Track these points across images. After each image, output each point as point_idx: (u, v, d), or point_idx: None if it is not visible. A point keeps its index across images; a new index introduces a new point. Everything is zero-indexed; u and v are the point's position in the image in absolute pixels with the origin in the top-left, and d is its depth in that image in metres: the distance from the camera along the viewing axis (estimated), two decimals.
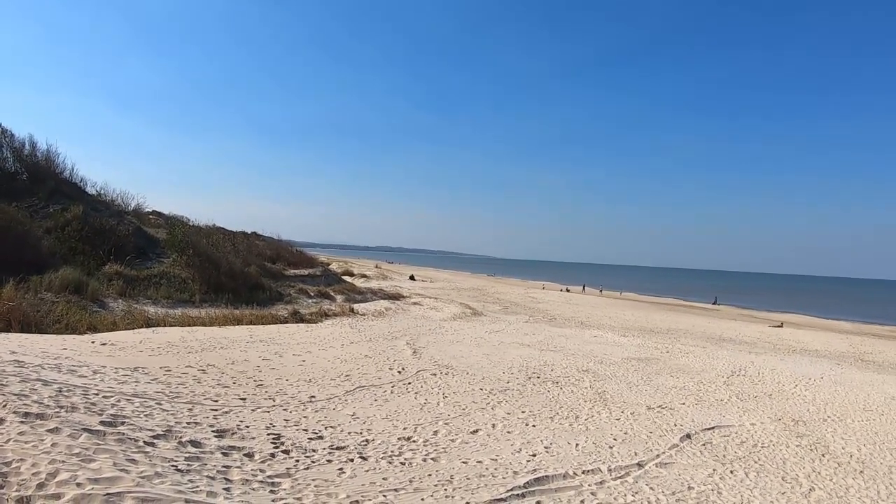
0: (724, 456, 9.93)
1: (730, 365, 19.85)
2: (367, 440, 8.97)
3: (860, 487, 9.05)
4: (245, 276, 26.41)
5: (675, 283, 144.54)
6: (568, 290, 72.53)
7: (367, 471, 7.64)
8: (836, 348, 29.10)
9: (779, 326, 40.95)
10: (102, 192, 30.25)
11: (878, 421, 13.52)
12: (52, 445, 6.26)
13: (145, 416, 8.36)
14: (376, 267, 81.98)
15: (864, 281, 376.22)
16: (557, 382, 14.75)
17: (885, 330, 49.20)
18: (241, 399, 10.45)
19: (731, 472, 9.15)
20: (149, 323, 17.81)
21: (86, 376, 10.05)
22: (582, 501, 7.38)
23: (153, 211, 35.49)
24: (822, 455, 10.54)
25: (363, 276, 55.53)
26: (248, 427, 8.80)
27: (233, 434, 8.37)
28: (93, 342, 13.82)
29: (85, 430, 7.01)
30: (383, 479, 7.41)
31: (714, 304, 72.99)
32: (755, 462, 9.76)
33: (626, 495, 7.73)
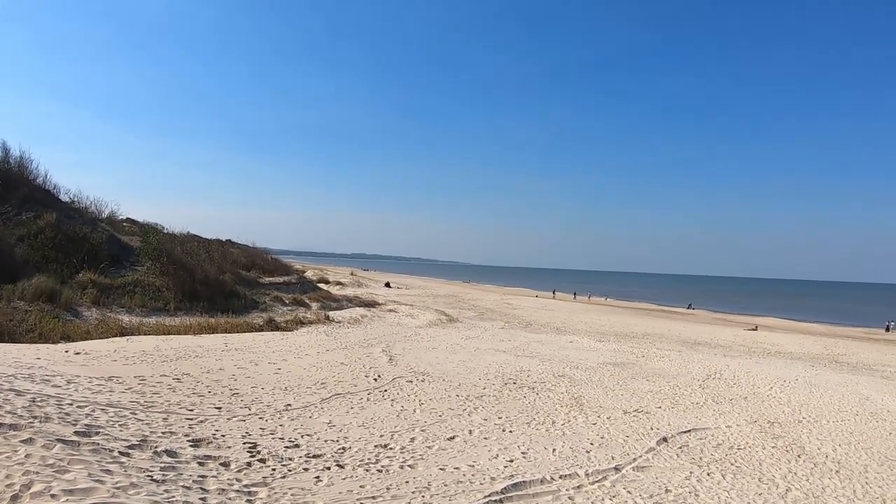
0: (700, 458, 10.03)
1: (705, 368, 20.08)
2: (343, 448, 8.95)
3: (836, 487, 9.20)
4: (220, 284, 26.28)
5: (651, 288, 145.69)
6: (537, 297, 72.90)
7: (344, 479, 7.63)
8: (810, 350, 29.56)
9: (753, 330, 41.48)
10: (76, 199, 30.01)
11: (852, 421, 13.76)
12: (25, 456, 6.20)
13: (120, 425, 8.30)
14: (352, 274, 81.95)
15: (836, 284, 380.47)
16: (534, 388, 14.81)
17: (859, 332, 49.99)
18: (217, 408, 10.39)
19: (708, 474, 9.24)
20: (123, 332, 17.68)
21: (60, 386, 9.95)
22: None
23: (127, 218, 35.21)
24: (798, 456, 10.69)
25: (339, 283, 55.54)
26: (223, 436, 8.76)
27: (208, 443, 8.32)
28: (66, 351, 13.69)
29: (59, 440, 6.95)
30: (360, 486, 7.39)
31: (689, 308, 73.75)
32: (732, 464, 9.86)
33: (603, 499, 7.78)
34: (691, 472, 9.24)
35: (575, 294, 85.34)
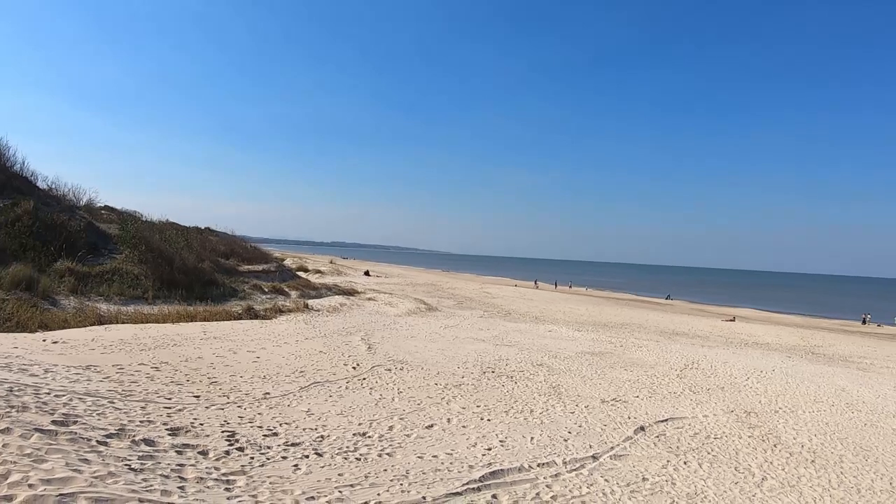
0: (677, 447, 10.16)
1: (683, 358, 20.28)
2: (322, 436, 9.01)
3: (812, 476, 9.35)
4: (198, 272, 26.15)
5: (631, 278, 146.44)
6: (516, 286, 73.12)
7: (323, 467, 7.68)
8: (787, 341, 29.91)
9: (731, 320, 41.83)
10: (54, 186, 29.65)
11: (828, 412, 13.96)
12: (2, 446, 6.20)
13: (98, 414, 8.30)
14: (331, 263, 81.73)
15: (814, 276, 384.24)
16: (512, 377, 14.92)
17: (835, 324, 50.64)
18: (195, 396, 10.40)
19: (685, 463, 9.37)
20: (101, 320, 17.58)
21: (37, 375, 9.93)
22: (537, 494, 7.50)
23: (105, 206, 34.81)
24: (774, 445, 10.85)
25: (318, 271, 55.40)
26: (202, 425, 8.78)
27: (187, 432, 8.34)
28: (44, 340, 13.62)
29: (37, 430, 6.95)
30: (339, 474, 7.45)
31: (667, 298, 74.28)
32: (708, 453, 10.00)
33: (581, 487, 7.87)
34: (668, 461, 9.37)
35: (556, 283, 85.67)
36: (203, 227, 42.86)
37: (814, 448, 10.91)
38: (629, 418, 11.83)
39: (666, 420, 11.90)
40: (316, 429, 9.37)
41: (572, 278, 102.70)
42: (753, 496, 8.26)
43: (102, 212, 33.08)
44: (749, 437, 11.27)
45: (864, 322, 53.91)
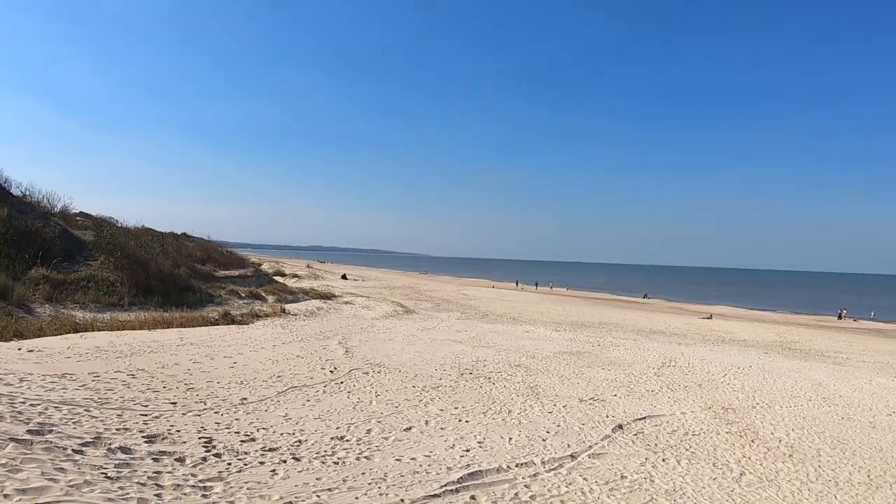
0: (655, 445, 10.22)
1: (660, 356, 20.47)
2: (299, 441, 9.01)
3: (790, 470, 9.43)
4: (175, 278, 26.05)
5: (610, 278, 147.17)
6: (494, 287, 73.45)
7: (301, 471, 7.69)
8: (763, 338, 30.24)
9: (708, 318, 42.27)
10: (28, 193, 29.38)
11: (805, 406, 14.13)
12: None
13: (74, 423, 8.28)
14: (308, 267, 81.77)
15: (791, 273, 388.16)
16: (490, 378, 14.98)
17: (811, 319, 51.32)
18: (172, 403, 10.37)
19: (663, 460, 9.43)
20: (77, 328, 17.44)
21: (12, 384, 9.87)
22: (516, 494, 7.53)
23: (80, 212, 34.58)
24: (752, 441, 10.93)
25: (295, 276, 55.36)
26: (178, 431, 8.77)
27: (163, 439, 8.33)
28: (19, 349, 13.50)
29: (11, 439, 6.93)
30: (317, 479, 7.46)
31: (645, 297, 74.82)
32: (686, 450, 10.07)
33: (559, 486, 7.90)
34: (646, 459, 9.41)
35: (537, 284, 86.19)
36: (179, 233, 42.72)
37: (791, 442, 11.02)
38: (607, 417, 11.89)
39: (644, 418, 11.98)
40: (293, 433, 9.36)
41: (553, 279, 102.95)
42: (732, 491, 8.31)
43: (77, 218, 32.86)
44: (727, 432, 11.36)
45: (840, 317, 54.71)
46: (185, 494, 6.45)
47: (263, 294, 30.26)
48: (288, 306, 27.70)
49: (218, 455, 7.95)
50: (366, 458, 8.50)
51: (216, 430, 9.13)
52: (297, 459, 8.17)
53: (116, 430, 8.37)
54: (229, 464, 7.69)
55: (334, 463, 8.16)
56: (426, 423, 10.64)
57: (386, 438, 9.54)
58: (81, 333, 16.80)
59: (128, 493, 6.08)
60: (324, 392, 12.36)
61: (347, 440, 9.27)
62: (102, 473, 6.55)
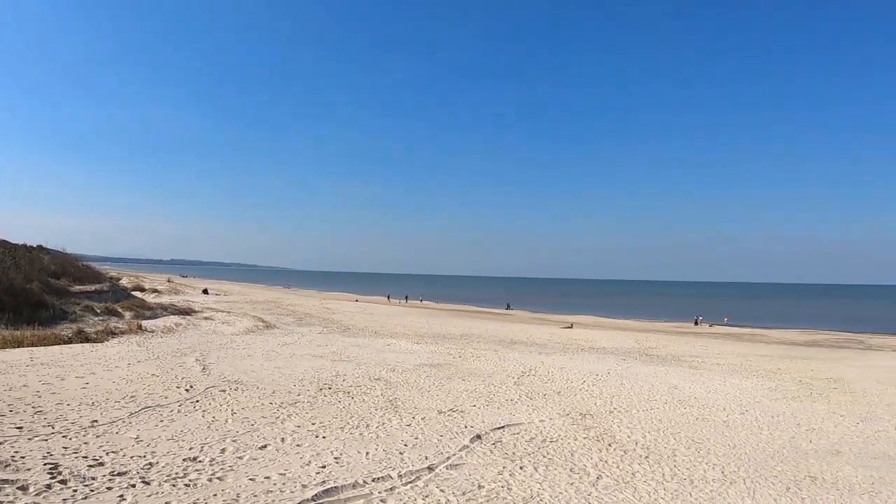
0: (513, 453, 10.48)
1: (520, 366, 21.06)
2: (150, 463, 8.89)
3: (646, 472, 9.86)
4: (27, 294, 24.93)
5: (475, 291, 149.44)
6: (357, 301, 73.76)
7: (150, 495, 7.59)
8: (622, 345, 31.57)
9: (569, 327, 43.65)
10: None
11: (661, 409, 14.89)
12: None
13: None
14: (168, 281, 79.30)
15: (651, 283, 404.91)
16: (349, 392, 15.10)
17: (669, 326, 54.16)
18: (18, 428, 10.14)
19: (521, 468, 9.68)
20: None
21: None
22: None
23: None
24: (609, 445, 11.38)
25: (154, 290, 53.73)
26: (23, 458, 8.60)
27: (6, 466, 8.18)
28: None
29: None
30: (166, 502, 7.41)
31: (507, 308, 76.70)
32: (544, 456, 10.37)
33: (416, 499, 8.02)
34: (504, 467, 9.62)
35: (406, 297, 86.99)
36: (34, 245, 40.82)
37: (648, 444, 11.47)
38: (466, 427, 12.07)
39: (502, 427, 12.21)
40: (144, 456, 9.24)
41: (425, 292, 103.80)
42: (589, 495, 8.56)
43: None
44: (584, 437, 11.74)
45: (696, 323, 58.17)
46: None
47: (120, 310, 29.35)
48: (145, 322, 27.04)
49: (63, 482, 7.82)
50: (218, 478, 8.41)
51: (63, 454, 8.98)
52: (147, 483, 8.05)
53: None
54: (75, 490, 7.57)
55: (185, 485, 8.05)
56: (282, 440, 10.62)
57: (240, 458, 9.45)
58: None
59: None
60: (178, 411, 12.25)
61: (200, 461, 9.17)
62: None
